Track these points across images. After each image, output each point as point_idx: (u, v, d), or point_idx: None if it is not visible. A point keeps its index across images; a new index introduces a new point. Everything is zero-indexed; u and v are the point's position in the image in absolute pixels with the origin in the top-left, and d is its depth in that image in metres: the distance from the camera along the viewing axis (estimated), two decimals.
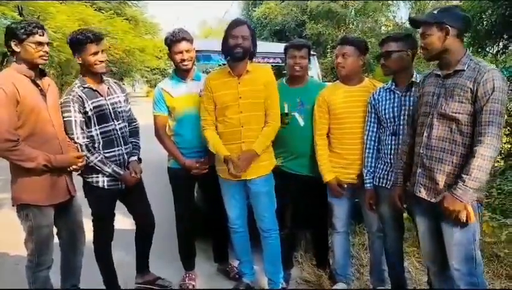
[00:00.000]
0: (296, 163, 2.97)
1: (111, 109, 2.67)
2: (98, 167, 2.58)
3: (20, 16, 8.62)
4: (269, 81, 2.77)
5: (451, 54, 2.07)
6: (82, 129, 2.56)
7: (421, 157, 2.18)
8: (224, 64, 2.87)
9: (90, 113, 2.57)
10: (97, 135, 2.62)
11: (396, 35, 2.61)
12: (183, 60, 2.86)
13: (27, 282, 2.40)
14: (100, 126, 2.62)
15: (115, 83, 2.86)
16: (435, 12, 2.10)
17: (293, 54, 2.93)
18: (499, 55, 7.61)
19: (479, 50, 7.22)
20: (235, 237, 3.00)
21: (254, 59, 2.81)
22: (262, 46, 6.04)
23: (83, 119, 2.56)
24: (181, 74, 2.96)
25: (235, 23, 2.72)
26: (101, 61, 2.57)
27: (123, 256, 2.99)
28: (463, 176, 1.96)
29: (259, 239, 2.92)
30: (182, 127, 2.93)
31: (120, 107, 2.75)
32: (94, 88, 2.62)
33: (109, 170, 2.60)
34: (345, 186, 2.78)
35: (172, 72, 3.04)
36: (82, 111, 2.55)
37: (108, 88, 2.72)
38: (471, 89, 1.97)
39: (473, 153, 1.94)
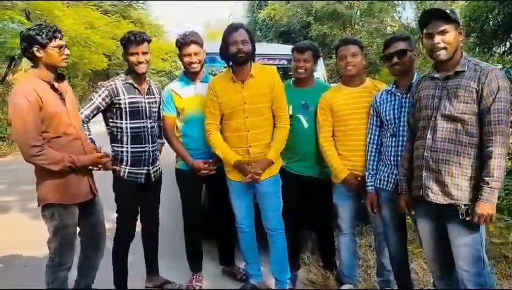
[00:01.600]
0: (300, 164, 2.98)
1: (147, 108, 2.80)
2: None
3: (28, 20, 8.68)
4: (275, 83, 2.77)
5: (454, 56, 2.08)
6: (92, 112, 2.69)
7: (426, 160, 2.14)
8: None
9: (123, 106, 2.71)
10: (127, 128, 2.74)
11: (402, 35, 2.60)
12: (192, 63, 2.89)
13: (45, 281, 2.42)
14: (132, 121, 2.73)
15: (155, 85, 3.01)
16: (449, 12, 2.08)
17: (296, 56, 2.95)
18: (505, 55, 7.53)
19: (486, 50, 7.16)
20: (243, 237, 3.00)
21: (260, 61, 2.81)
22: (268, 48, 6.07)
23: (103, 107, 2.70)
24: (190, 75, 2.99)
25: (232, 29, 2.72)
26: (140, 62, 2.69)
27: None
28: (485, 178, 1.95)
29: (266, 240, 2.93)
30: (190, 128, 2.95)
31: (155, 107, 2.90)
32: (135, 85, 2.76)
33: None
34: (359, 179, 2.73)
35: (182, 73, 3.08)
36: (110, 100, 2.69)
37: (148, 88, 2.86)
38: (476, 89, 1.98)
39: (489, 153, 1.95)
